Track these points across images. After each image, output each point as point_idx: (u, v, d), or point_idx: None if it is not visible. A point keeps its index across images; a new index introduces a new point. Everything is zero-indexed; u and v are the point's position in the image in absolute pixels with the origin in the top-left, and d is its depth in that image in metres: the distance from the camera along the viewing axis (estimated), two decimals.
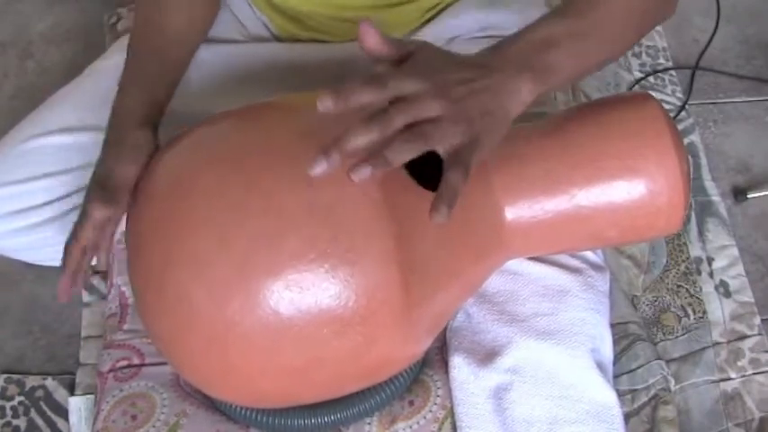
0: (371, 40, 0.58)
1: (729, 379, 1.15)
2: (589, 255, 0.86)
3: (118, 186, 0.75)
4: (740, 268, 1.25)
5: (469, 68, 0.61)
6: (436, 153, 0.57)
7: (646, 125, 0.75)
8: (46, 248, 0.97)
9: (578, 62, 0.68)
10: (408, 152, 0.54)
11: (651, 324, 1.19)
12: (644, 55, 1.47)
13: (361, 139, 0.54)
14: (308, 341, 0.63)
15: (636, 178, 0.74)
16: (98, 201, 0.75)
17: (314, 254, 0.61)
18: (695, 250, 1.26)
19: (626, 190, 0.74)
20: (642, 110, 0.76)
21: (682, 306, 1.21)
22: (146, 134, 0.78)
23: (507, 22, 0.96)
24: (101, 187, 0.75)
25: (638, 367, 1.09)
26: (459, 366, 0.80)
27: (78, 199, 0.86)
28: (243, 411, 0.78)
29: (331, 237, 0.61)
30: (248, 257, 0.62)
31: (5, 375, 1.14)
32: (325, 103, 0.54)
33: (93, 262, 0.88)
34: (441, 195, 0.54)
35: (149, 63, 0.83)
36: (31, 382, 1.13)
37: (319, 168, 0.54)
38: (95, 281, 1.18)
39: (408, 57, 0.60)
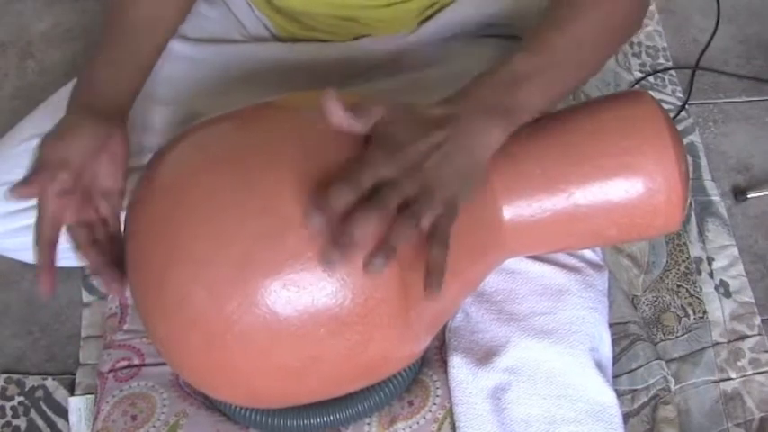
0: (337, 118, 0.61)
1: (729, 379, 1.15)
2: (587, 253, 0.86)
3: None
4: (740, 268, 1.25)
5: (437, 128, 0.62)
6: None
7: (643, 123, 0.75)
8: None
9: (548, 95, 0.69)
10: (408, 236, 0.58)
11: (651, 324, 1.19)
12: (644, 55, 1.47)
13: (365, 229, 0.57)
14: (305, 340, 0.63)
15: (634, 176, 0.74)
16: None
17: (311, 252, 0.61)
18: (695, 250, 1.26)
19: (624, 188, 0.74)
20: (639, 107, 0.76)
21: (682, 306, 1.21)
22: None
23: (507, 22, 0.96)
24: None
25: (638, 367, 1.09)
26: (458, 366, 0.80)
27: None
28: (243, 411, 0.78)
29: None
30: (248, 257, 0.62)
31: (5, 375, 1.14)
32: (316, 220, 0.57)
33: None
34: (429, 276, 0.59)
35: (119, 44, 0.85)
36: (31, 382, 1.13)
37: (335, 262, 0.57)
38: (95, 281, 1.18)
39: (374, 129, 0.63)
